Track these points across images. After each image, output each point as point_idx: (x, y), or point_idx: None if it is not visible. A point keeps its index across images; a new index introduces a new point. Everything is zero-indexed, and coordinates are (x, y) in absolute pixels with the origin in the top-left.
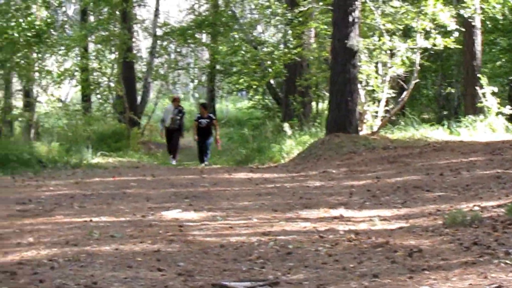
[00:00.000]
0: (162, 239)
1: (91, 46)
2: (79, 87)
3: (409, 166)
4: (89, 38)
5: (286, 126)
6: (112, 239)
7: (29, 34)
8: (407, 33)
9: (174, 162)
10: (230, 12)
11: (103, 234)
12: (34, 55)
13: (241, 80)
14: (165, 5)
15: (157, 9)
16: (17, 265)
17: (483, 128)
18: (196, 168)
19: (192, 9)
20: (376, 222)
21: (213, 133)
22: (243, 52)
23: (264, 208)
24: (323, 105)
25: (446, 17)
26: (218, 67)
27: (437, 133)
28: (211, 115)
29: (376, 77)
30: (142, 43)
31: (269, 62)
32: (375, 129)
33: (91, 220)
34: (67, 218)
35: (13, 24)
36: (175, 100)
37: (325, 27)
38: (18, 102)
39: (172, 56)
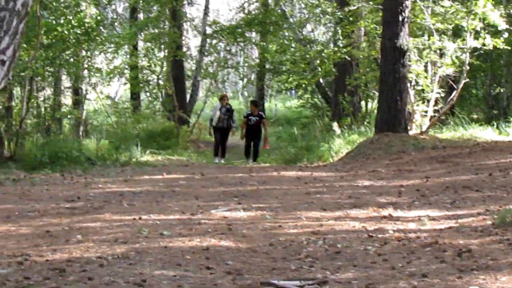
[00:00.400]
0: (211, 237)
1: (141, 44)
2: (128, 85)
3: (458, 166)
4: (138, 36)
5: (335, 125)
6: (161, 237)
7: (78, 31)
8: (456, 32)
9: (223, 161)
10: (280, 10)
11: (152, 232)
12: (83, 52)
13: (290, 79)
14: (215, 3)
15: (206, 8)
16: (66, 263)
17: None
18: (245, 167)
19: (242, 8)
20: (425, 222)
21: (262, 131)
22: (292, 50)
23: (313, 207)
24: (373, 105)
25: (496, 17)
26: (267, 65)
27: (486, 133)
28: (261, 113)
29: (425, 77)
30: (192, 42)
31: (318, 61)
32: (424, 128)
33: (140, 218)
34: (116, 215)
35: (62, 21)
36: (223, 98)
37: (375, 26)
38: (67, 99)
39: (222, 54)
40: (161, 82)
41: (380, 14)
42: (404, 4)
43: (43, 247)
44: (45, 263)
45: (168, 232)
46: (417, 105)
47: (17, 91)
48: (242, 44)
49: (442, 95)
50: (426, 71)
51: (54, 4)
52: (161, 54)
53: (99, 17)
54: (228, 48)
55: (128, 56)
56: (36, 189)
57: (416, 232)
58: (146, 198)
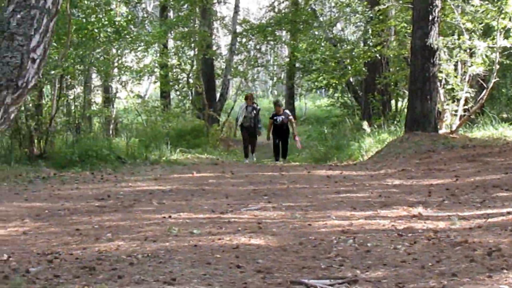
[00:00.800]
0: (241, 236)
1: (171, 43)
2: (158, 83)
3: (488, 165)
4: (168, 35)
5: (365, 124)
6: (191, 236)
7: (109, 30)
8: (487, 32)
9: (254, 158)
10: (310, 9)
11: (182, 231)
12: (114, 51)
13: (320, 78)
14: (245, 2)
15: (237, 6)
16: (96, 261)
17: None
18: (275, 165)
19: (272, 6)
20: (455, 221)
21: (290, 130)
22: (322, 49)
23: (343, 205)
24: (403, 104)
25: None
26: (297, 64)
27: None
28: (287, 111)
29: (455, 76)
30: (222, 40)
31: (348, 60)
32: (454, 128)
33: (170, 217)
34: (146, 214)
35: (92, 19)
36: (248, 98)
37: (405, 25)
38: (97, 98)
39: (252, 53)
40: (191, 80)
41: (410, 13)
42: (434, 3)
43: (73, 245)
44: (75, 261)
45: (198, 231)
46: (447, 104)
47: (47, 89)
48: (272, 42)
49: (472, 94)
50: (456, 70)
51: (85, 2)
52: (191, 53)
53: (129, 16)
54: (258, 47)
55: (158, 54)
56: (66, 187)
57: (445, 231)
58: (176, 197)
